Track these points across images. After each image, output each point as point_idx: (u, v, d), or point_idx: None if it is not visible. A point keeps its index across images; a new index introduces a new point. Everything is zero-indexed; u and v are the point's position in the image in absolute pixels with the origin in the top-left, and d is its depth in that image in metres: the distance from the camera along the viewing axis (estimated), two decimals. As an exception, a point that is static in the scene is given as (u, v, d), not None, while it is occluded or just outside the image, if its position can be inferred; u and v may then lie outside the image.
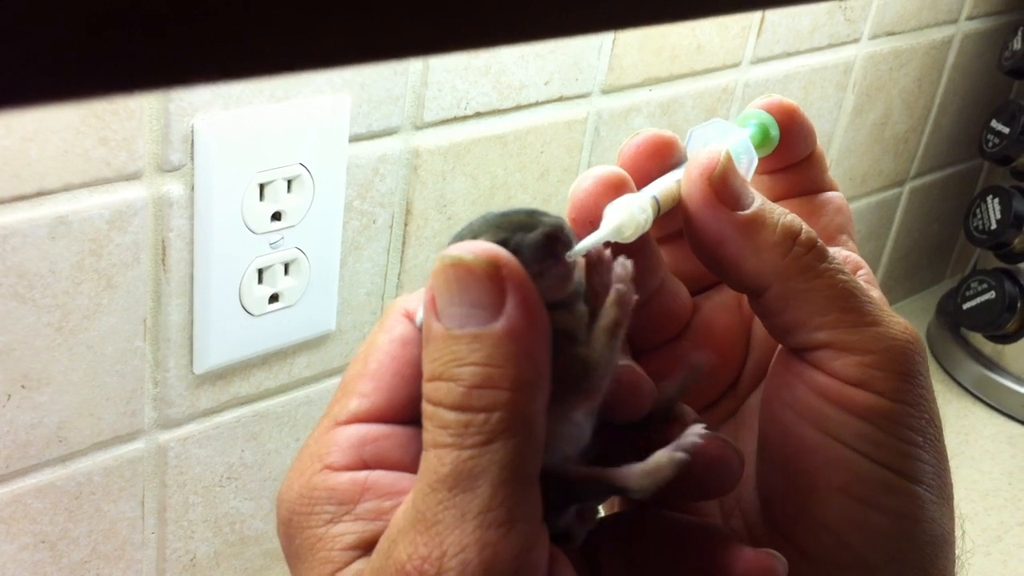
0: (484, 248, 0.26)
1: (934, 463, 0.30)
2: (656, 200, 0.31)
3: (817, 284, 0.30)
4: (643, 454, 0.29)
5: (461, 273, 0.26)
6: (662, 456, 0.28)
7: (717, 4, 0.15)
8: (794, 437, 0.30)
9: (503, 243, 0.27)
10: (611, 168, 0.31)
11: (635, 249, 0.31)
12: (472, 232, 0.28)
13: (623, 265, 0.29)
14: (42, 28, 0.10)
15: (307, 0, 0.11)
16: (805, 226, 0.31)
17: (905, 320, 0.31)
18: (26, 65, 0.10)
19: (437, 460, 0.25)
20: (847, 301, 0.30)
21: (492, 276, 0.26)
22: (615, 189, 0.31)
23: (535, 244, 0.27)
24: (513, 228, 0.28)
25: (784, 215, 0.30)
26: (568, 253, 0.28)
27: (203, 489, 0.63)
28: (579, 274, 0.29)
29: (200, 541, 0.65)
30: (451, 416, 0.25)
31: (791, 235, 0.30)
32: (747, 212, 0.30)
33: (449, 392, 0.26)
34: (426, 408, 0.26)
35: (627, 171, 0.32)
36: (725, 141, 0.33)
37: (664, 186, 0.32)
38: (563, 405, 0.28)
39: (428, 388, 0.26)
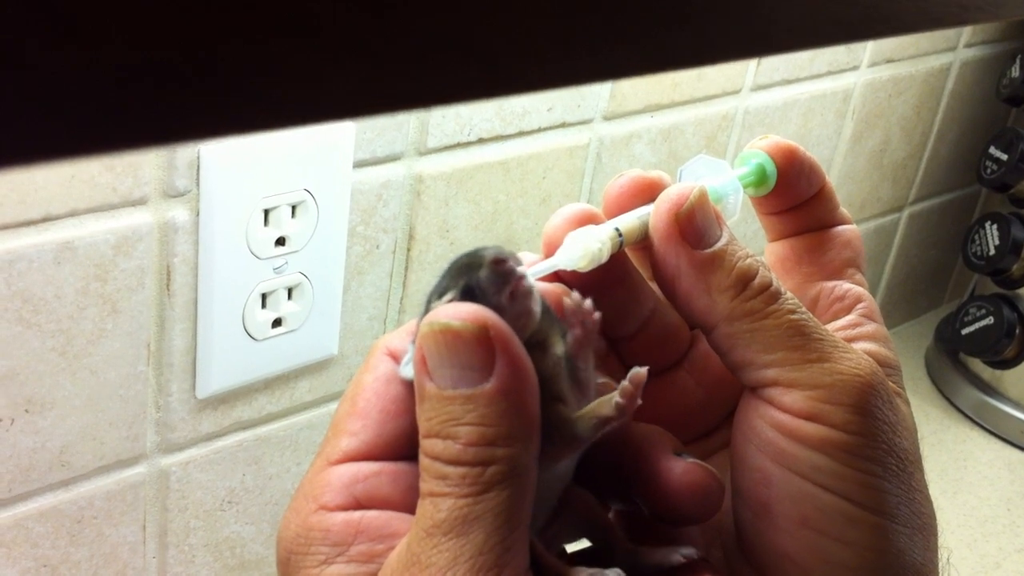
0: (471, 312, 0.27)
1: (900, 493, 0.30)
2: (618, 231, 0.32)
3: (764, 325, 0.30)
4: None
5: (450, 338, 0.27)
6: (583, 574, 0.29)
7: (713, 54, 0.16)
8: (756, 470, 0.31)
9: (468, 291, 0.28)
10: (581, 205, 0.32)
11: (615, 280, 0.33)
12: (439, 291, 0.29)
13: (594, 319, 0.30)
14: (60, 87, 0.10)
15: (324, 56, 0.11)
16: (763, 269, 0.31)
17: (864, 356, 0.31)
18: (43, 122, 0.10)
19: (433, 507, 0.27)
20: (794, 339, 0.30)
21: (480, 339, 0.27)
22: (580, 224, 0.32)
23: (489, 275, 0.28)
24: (463, 272, 0.29)
25: (743, 259, 0.31)
26: (522, 270, 0.29)
27: (204, 513, 0.63)
28: (541, 306, 0.30)
29: (201, 565, 0.65)
30: (449, 469, 0.27)
31: (744, 279, 0.30)
32: (707, 251, 0.31)
33: (447, 449, 0.27)
34: (423, 461, 0.28)
35: (612, 211, 0.33)
36: (714, 179, 0.34)
37: (632, 218, 0.32)
38: (546, 453, 0.29)
39: (426, 444, 0.28)
